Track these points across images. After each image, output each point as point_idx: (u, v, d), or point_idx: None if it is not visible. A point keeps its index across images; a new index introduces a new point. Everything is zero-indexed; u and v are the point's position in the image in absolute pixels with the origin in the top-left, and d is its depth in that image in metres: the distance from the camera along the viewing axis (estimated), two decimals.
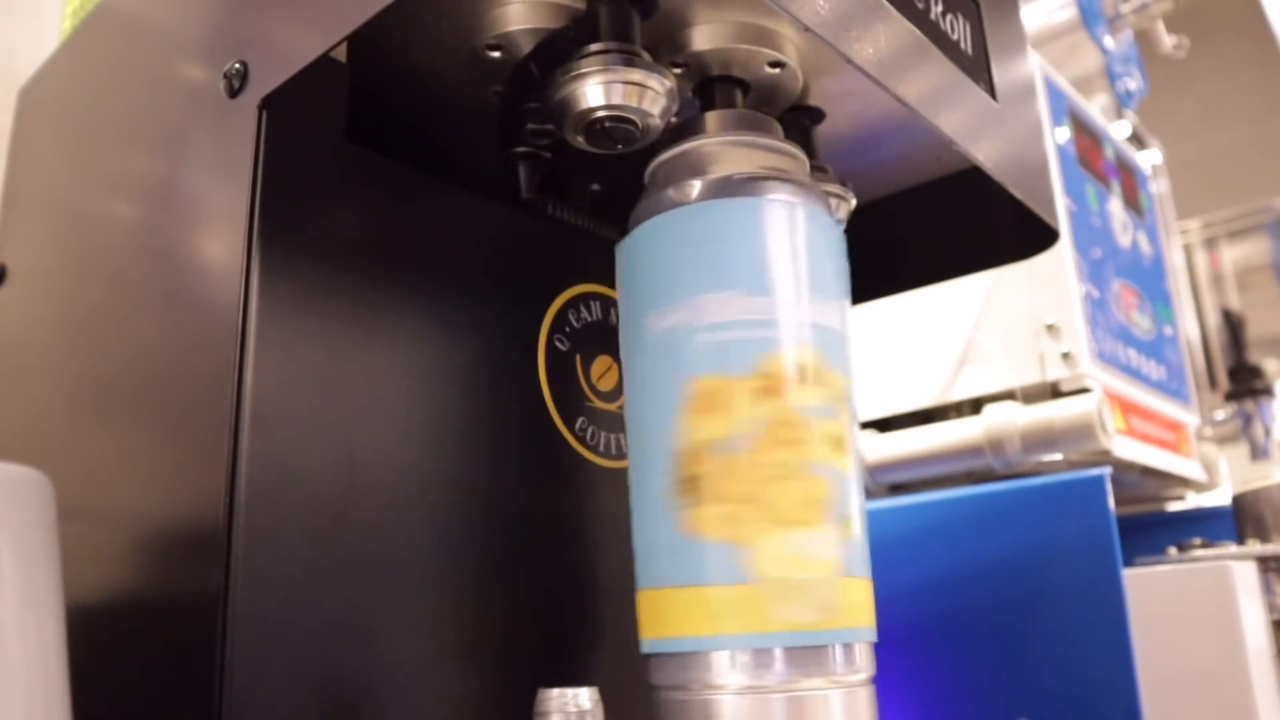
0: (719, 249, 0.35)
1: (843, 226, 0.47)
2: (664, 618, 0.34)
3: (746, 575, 0.33)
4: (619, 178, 0.42)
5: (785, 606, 0.33)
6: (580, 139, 0.37)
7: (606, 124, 0.36)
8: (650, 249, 0.37)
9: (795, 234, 0.36)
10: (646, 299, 0.37)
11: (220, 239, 0.36)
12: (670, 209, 0.36)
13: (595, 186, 0.50)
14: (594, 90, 0.35)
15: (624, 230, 0.39)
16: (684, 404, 0.34)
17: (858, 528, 0.35)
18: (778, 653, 0.33)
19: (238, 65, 0.37)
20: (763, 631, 0.33)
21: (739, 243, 0.36)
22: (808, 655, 0.33)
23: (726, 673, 0.33)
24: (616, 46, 0.35)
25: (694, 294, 0.35)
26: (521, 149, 0.44)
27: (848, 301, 0.38)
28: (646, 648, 0.35)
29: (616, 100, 0.35)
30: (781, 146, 0.39)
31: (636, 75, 0.35)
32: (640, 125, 0.36)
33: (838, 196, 0.46)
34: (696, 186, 0.36)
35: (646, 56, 0.36)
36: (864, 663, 0.34)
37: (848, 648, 0.34)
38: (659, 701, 0.35)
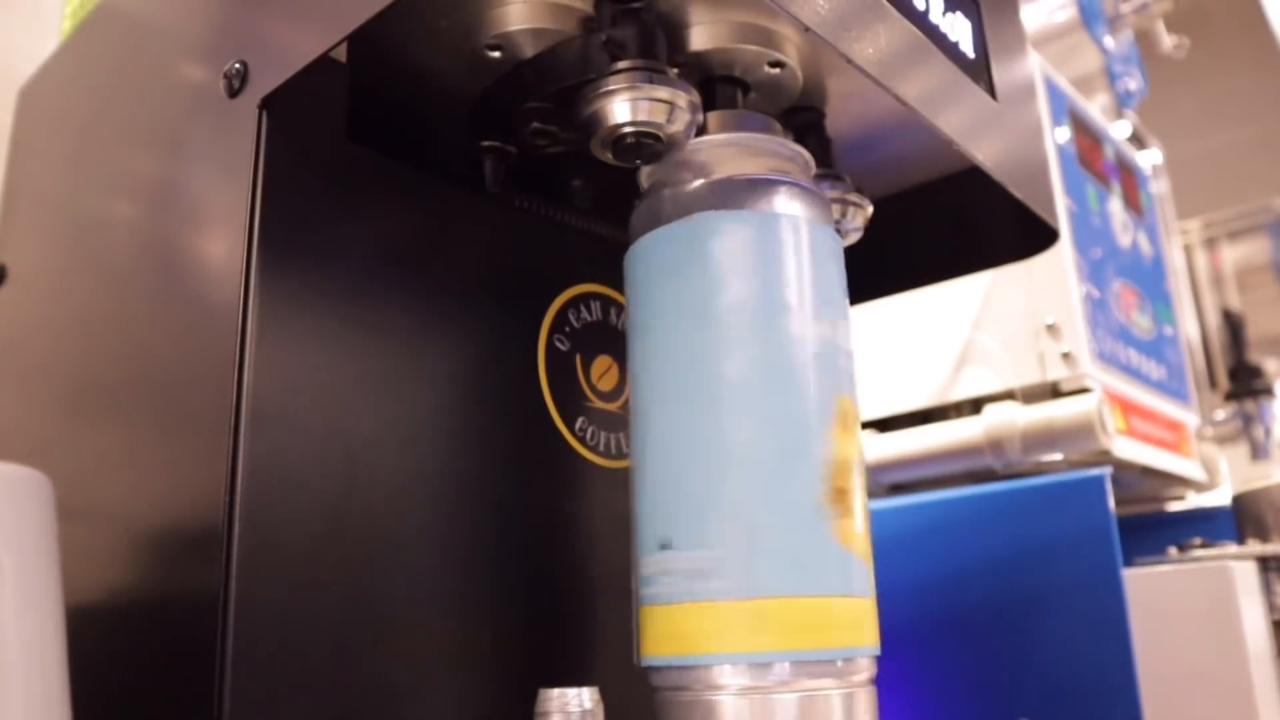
0: (839, 274, 0.39)
1: (860, 234, 0.47)
2: (816, 625, 0.34)
3: (869, 589, 0.36)
4: (614, 176, 0.42)
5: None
6: (607, 154, 0.38)
7: (632, 139, 0.37)
8: (789, 245, 0.37)
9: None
10: (778, 297, 0.36)
11: (220, 239, 0.36)
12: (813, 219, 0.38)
13: (577, 183, 0.50)
14: (621, 107, 0.36)
15: (625, 228, 0.39)
16: (834, 419, 0.36)
17: None
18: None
19: (238, 65, 0.37)
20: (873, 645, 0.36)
21: (839, 273, 0.39)
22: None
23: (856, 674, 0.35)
24: (643, 64, 0.36)
25: (834, 316, 0.37)
26: (487, 143, 0.44)
27: None
28: (786, 656, 0.33)
29: (642, 117, 0.36)
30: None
31: (662, 92, 0.36)
32: (665, 140, 0.37)
33: (854, 204, 0.46)
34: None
35: (671, 72, 0.36)
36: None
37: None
38: (759, 700, 0.33)
